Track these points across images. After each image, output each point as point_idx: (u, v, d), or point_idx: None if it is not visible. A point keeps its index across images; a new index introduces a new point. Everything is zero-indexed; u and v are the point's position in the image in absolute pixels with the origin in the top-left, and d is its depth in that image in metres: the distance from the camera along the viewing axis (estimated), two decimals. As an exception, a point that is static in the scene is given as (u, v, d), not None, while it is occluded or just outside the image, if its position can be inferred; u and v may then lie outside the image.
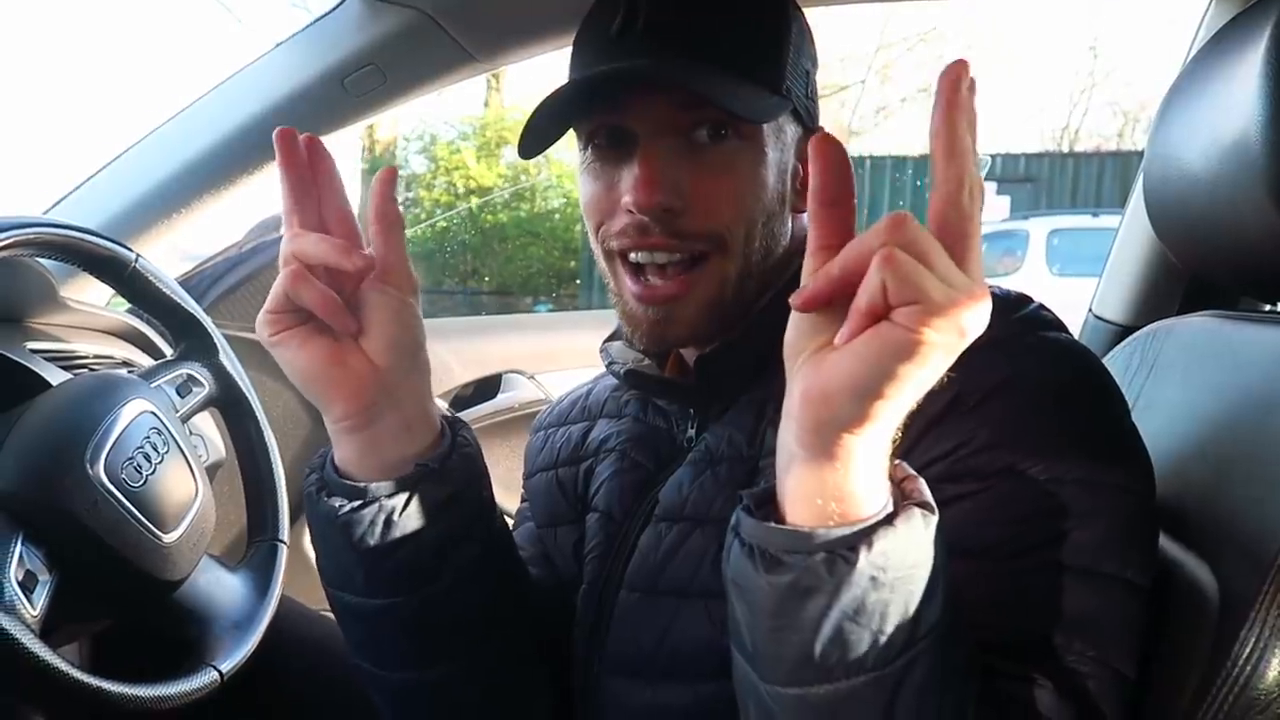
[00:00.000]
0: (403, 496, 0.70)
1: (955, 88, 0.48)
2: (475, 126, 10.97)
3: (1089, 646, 0.61)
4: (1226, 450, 0.73)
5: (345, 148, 1.24)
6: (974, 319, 0.47)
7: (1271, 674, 0.58)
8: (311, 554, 1.65)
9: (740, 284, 0.76)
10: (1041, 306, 0.73)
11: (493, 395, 1.78)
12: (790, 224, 0.80)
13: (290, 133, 0.67)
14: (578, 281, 9.24)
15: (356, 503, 0.70)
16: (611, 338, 0.88)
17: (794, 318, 0.53)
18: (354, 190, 0.71)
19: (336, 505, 0.71)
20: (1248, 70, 0.73)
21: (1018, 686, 0.59)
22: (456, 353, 1.74)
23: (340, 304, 0.67)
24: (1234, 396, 0.76)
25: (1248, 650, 0.59)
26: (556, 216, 10.36)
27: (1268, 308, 1.07)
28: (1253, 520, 0.64)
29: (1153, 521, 0.68)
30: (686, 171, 0.73)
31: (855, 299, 0.48)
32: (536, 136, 0.76)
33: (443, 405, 1.51)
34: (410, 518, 0.71)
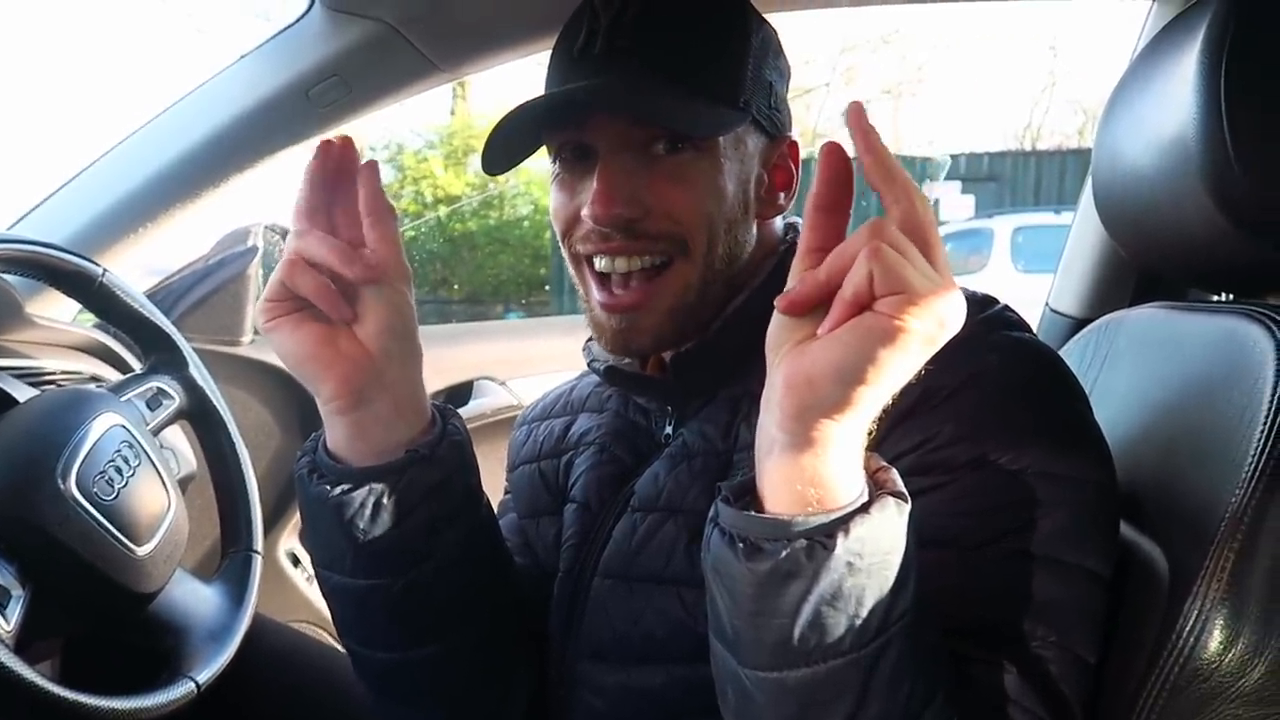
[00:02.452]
0: (392, 480, 0.72)
1: (861, 122, 0.53)
2: (442, 135, 10.92)
3: (1051, 632, 0.63)
4: (1173, 434, 0.76)
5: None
6: (952, 310, 0.51)
7: (1213, 644, 0.60)
8: (285, 564, 1.65)
9: (703, 289, 0.79)
10: (1006, 307, 0.76)
11: (465, 402, 1.79)
12: (756, 230, 0.82)
13: (330, 143, 0.71)
14: (548, 288, 9.24)
15: (347, 485, 0.72)
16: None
17: (776, 315, 0.56)
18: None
19: (327, 488, 0.73)
20: (1185, 69, 0.76)
21: (983, 670, 0.62)
22: (429, 360, 1.73)
23: (336, 293, 0.69)
24: (1179, 383, 0.79)
25: (1190, 622, 0.61)
26: (525, 224, 10.33)
27: (1215, 298, 1.10)
28: (1197, 500, 0.67)
29: (1113, 512, 0.71)
30: (644, 182, 0.76)
31: (840, 290, 0.51)
32: (502, 154, 0.80)
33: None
34: (399, 502, 0.73)
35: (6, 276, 1.07)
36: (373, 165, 0.72)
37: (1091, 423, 0.72)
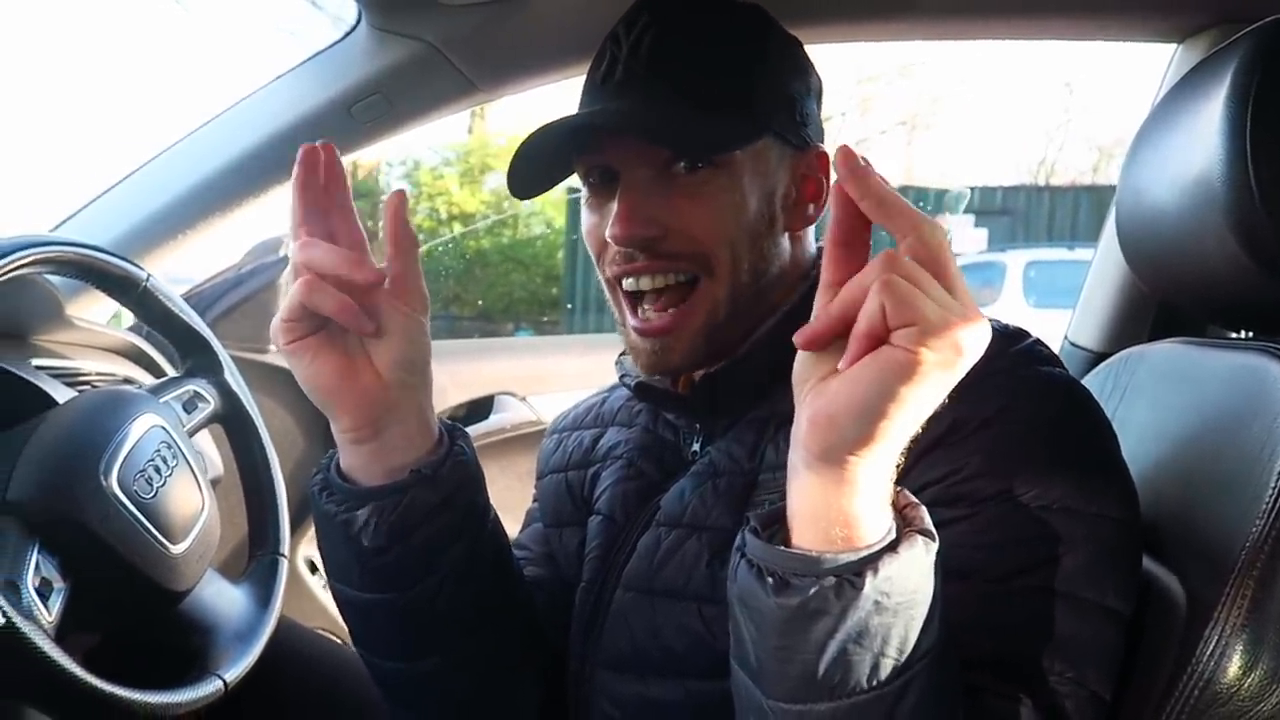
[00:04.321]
0: (395, 500, 0.74)
1: (851, 169, 0.54)
2: (459, 153, 11.01)
3: (1068, 668, 0.64)
4: (1192, 468, 0.77)
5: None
6: (970, 337, 0.51)
7: (1232, 670, 0.62)
8: (303, 571, 1.67)
9: (732, 304, 0.80)
10: (1037, 341, 0.77)
11: (486, 415, 1.81)
12: (785, 244, 0.84)
13: (314, 148, 0.70)
14: (569, 307, 9.26)
15: (352, 504, 0.74)
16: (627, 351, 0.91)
17: (800, 350, 0.56)
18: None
19: (334, 507, 0.75)
20: (1211, 113, 0.78)
21: (1000, 703, 0.62)
22: (451, 374, 1.77)
23: (355, 307, 0.69)
24: (1199, 417, 0.80)
25: (1210, 648, 0.63)
26: (539, 243, 10.39)
27: (1234, 335, 1.11)
28: (1217, 532, 0.68)
29: (1136, 550, 0.71)
30: (664, 201, 0.78)
31: (855, 324, 0.51)
32: (529, 179, 0.82)
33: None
34: (401, 520, 0.74)
35: (50, 278, 1.09)
36: (401, 195, 0.73)
37: (1118, 460, 0.73)
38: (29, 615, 0.75)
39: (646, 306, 0.81)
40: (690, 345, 0.80)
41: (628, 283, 0.81)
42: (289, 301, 0.70)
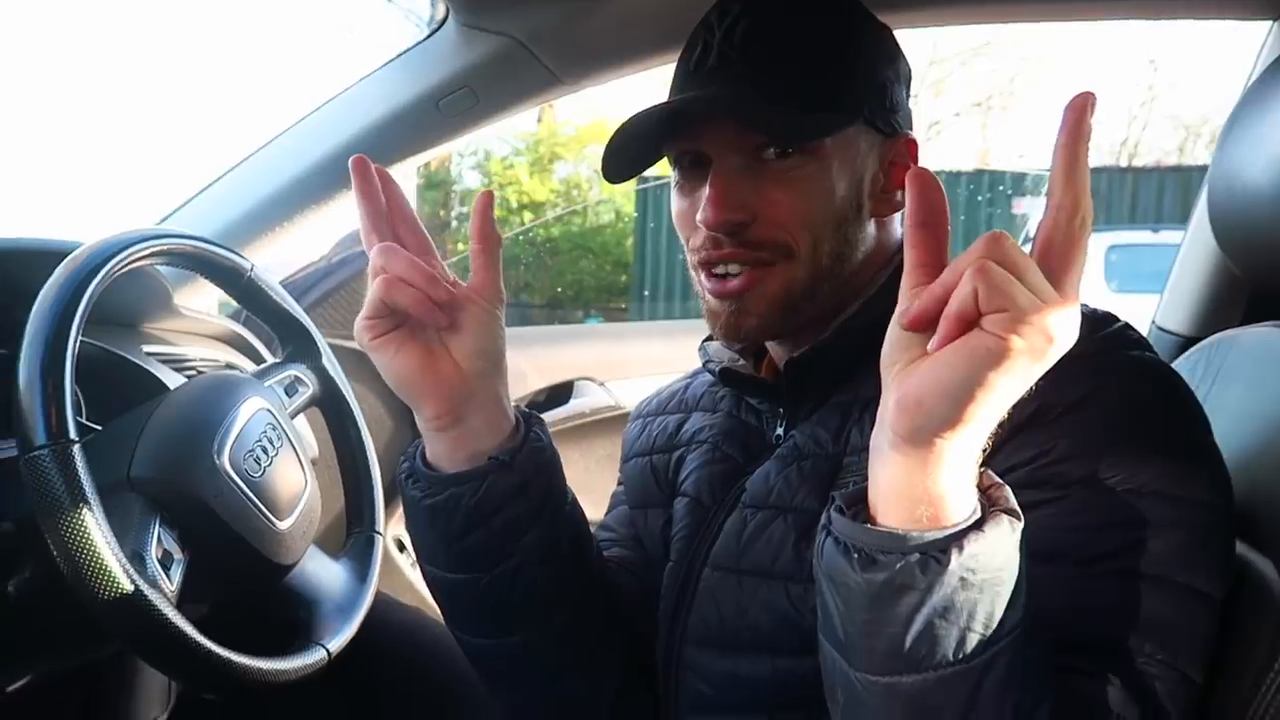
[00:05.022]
0: (474, 486, 0.78)
1: (1080, 117, 0.52)
2: (528, 142, 11.14)
3: (1159, 650, 0.64)
4: (1288, 452, 0.76)
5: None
6: (1061, 327, 0.50)
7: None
8: (391, 549, 1.72)
9: (810, 286, 0.82)
10: (1126, 325, 0.76)
11: (566, 400, 1.85)
12: (871, 230, 0.85)
13: (364, 161, 0.76)
14: (645, 293, 9.29)
15: (435, 490, 0.79)
16: (711, 337, 0.93)
17: (890, 332, 0.57)
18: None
19: (418, 493, 0.80)
20: (1310, 92, 0.77)
21: (1089, 683, 0.63)
22: (531, 360, 1.81)
23: (431, 303, 0.74)
24: (1296, 402, 0.79)
25: None
26: (608, 231, 10.46)
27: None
28: (1314, 516, 0.67)
29: (1229, 535, 0.70)
30: (753, 187, 0.79)
31: (947, 306, 0.52)
32: (622, 163, 0.84)
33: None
34: (481, 504, 0.79)
35: (162, 269, 1.15)
36: (489, 195, 0.78)
37: (1210, 444, 0.72)
38: (154, 584, 0.80)
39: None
40: (765, 308, 0.82)
41: (716, 269, 0.83)
42: (369, 299, 0.75)
